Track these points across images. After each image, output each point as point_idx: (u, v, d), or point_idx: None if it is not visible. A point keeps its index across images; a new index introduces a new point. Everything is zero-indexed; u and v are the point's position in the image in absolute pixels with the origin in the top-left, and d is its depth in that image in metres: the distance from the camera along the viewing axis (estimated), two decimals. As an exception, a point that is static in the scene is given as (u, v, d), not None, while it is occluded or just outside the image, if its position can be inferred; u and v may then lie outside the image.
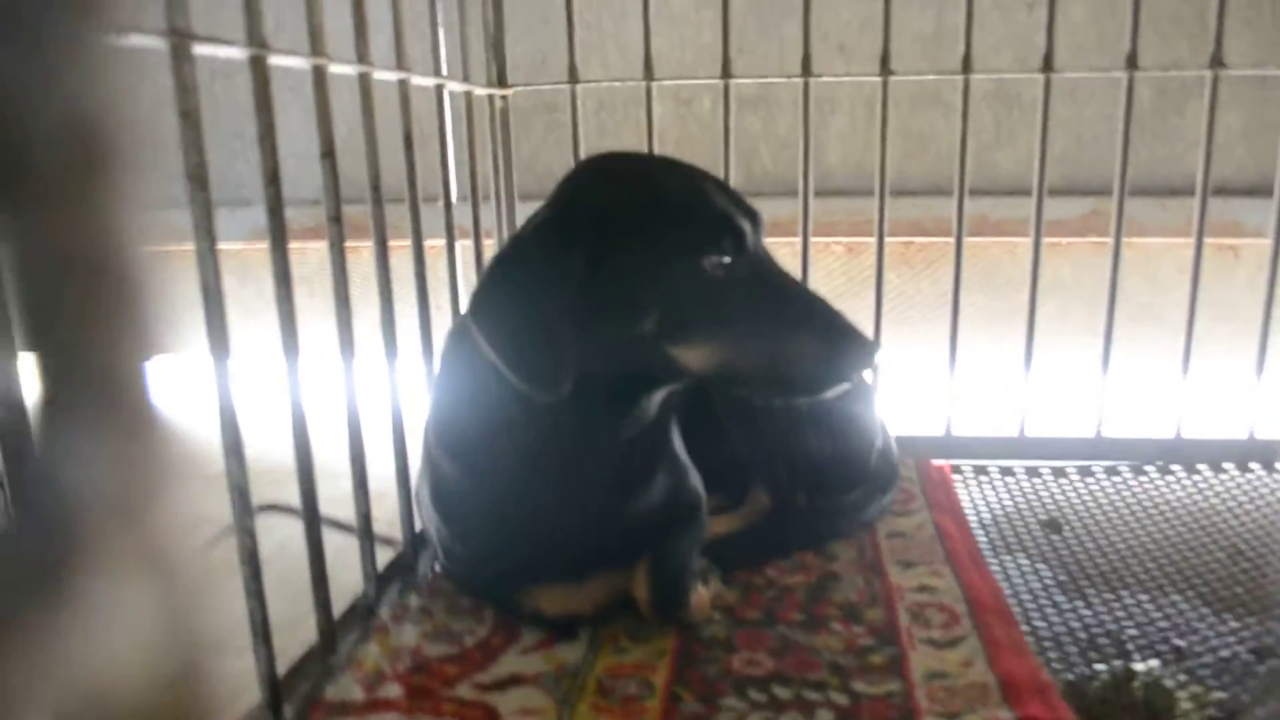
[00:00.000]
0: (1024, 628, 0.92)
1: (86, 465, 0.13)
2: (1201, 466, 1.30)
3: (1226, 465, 1.31)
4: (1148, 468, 1.31)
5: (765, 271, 0.80)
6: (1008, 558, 1.09)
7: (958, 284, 1.32)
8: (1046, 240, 1.32)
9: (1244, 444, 1.32)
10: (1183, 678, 0.86)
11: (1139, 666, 0.88)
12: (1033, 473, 1.31)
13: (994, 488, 1.27)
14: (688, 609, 0.90)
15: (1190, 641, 0.91)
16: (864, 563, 1.05)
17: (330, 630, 0.85)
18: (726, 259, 0.78)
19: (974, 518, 1.18)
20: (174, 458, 0.12)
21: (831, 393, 0.79)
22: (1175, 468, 1.30)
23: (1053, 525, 1.15)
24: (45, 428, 0.13)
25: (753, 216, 0.82)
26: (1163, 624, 0.94)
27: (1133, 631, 0.93)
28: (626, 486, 0.88)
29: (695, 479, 0.97)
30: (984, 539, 1.13)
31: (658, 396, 0.85)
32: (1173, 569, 1.05)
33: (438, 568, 1.01)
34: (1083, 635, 0.93)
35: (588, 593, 0.91)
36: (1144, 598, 0.99)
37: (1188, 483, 1.27)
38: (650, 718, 0.79)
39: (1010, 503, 1.23)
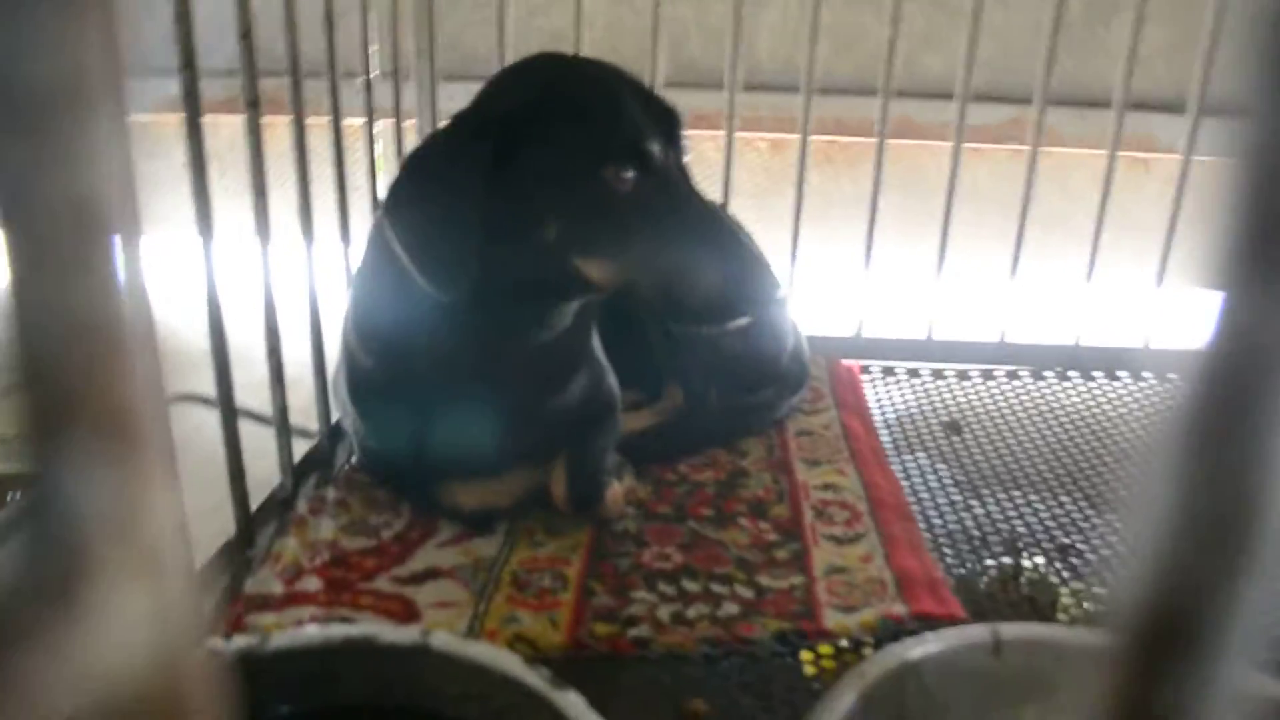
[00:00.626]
0: (921, 525, 0.98)
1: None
2: (1097, 374, 1.37)
3: (1121, 373, 1.37)
4: (1047, 373, 1.36)
5: (676, 191, 0.80)
6: (909, 457, 1.14)
7: (877, 185, 1.34)
8: (967, 146, 1.34)
9: (1139, 353, 1.39)
10: (1066, 574, 0.92)
11: (1026, 563, 0.94)
12: (938, 375, 1.36)
13: (900, 388, 1.32)
14: (602, 504, 0.92)
15: (1075, 540, 0.97)
16: (772, 460, 1.08)
17: (247, 524, 0.86)
18: (629, 173, 0.78)
19: (879, 417, 1.23)
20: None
21: (730, 325, 0.80)
22: (1073, 374, 1.36)
23: (953, 427, 1.20)
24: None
25: (669, 132, 0.81)
26: (1050, 523, 1.00)
27: (1022, 530, 0.99)
28: (543, 386, 0.90)
29: (612, 379, 0.99)
30: (888, 438, 1.18)
31: (572, 305, 0.86)
32: (1064, 471, 1.11)
33: (354, 460, 1.02)
34: (975, 533, 0.98)
35: (505, 487, 0.93)
36: (1034, 498, 1.05)
37: (1084, 389, 1.33)
38: (564, 610, 0.82)
39: (915, 403, 1.27)
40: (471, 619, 0.80)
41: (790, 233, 1.35)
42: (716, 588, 0.86)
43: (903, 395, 1.30)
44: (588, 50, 1.20)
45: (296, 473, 0.96)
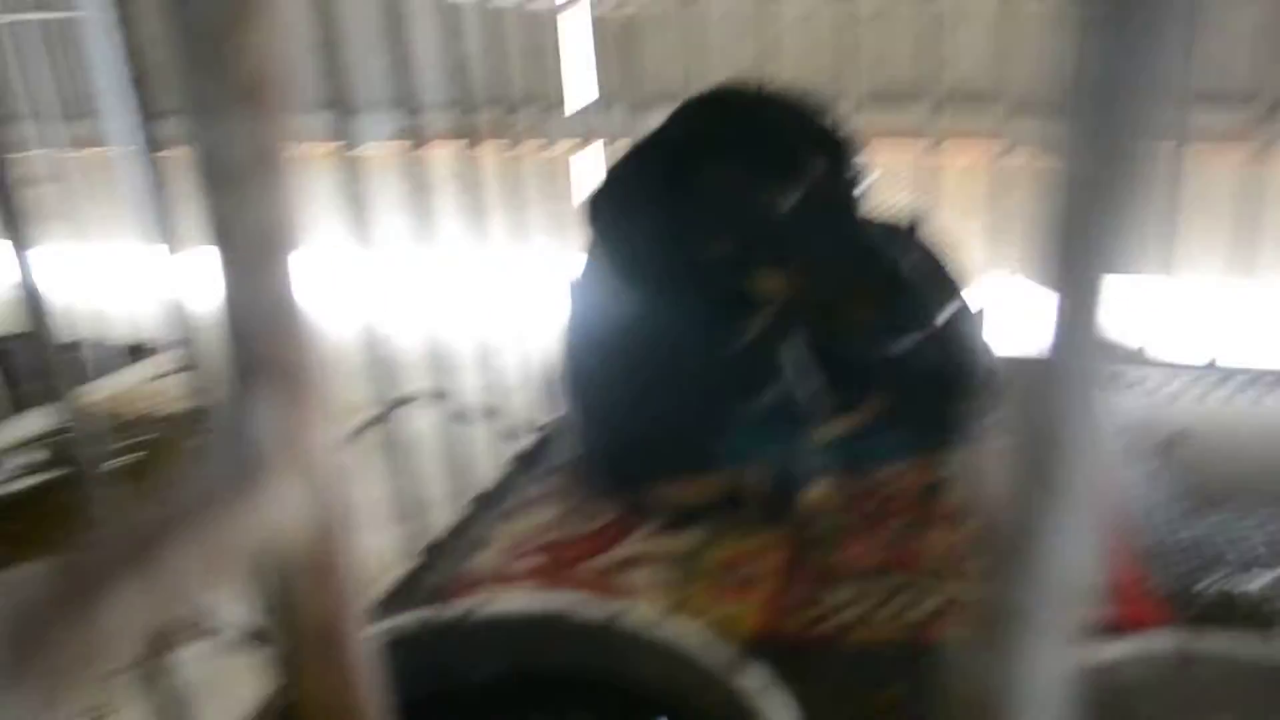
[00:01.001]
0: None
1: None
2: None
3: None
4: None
5: (834, 213, 0.84)
6: (1124, 471, 1.10)
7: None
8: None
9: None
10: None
11: (1248, 584, 0.90)
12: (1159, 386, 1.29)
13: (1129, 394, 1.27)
14: (794, 506, 0.96)
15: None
16: (973, 469, 1.08)
17: (471, 512, 0.96)
18: (787, 196, 0.82)
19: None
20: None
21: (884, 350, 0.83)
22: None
23: (1171, 443, 1.15)
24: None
25: (833, 151, 0.85)
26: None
27: (1243, 548, 0.94)
28: (735, 393, 0.94)
29: (815, 389, 1.02)
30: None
31: (756, 318, 0.90)
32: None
33: (572, 455, 1.10)
34: (1194, 550, 0.94)
35: (707, 485, 0.98)
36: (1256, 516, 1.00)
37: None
38: (758, 600, 0.86)
39: (1132, 414, 1.22)
40: (676, 604, 0.86)
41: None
42: (910, 591, 0.87)
43: (1120, 406, 1.25)
44: (789, 70, 1.24)
45: (518, 467, 1.06)
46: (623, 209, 0.86)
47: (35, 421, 1.12)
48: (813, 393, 1.02)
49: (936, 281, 1.14)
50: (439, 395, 1.06)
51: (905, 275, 0.84)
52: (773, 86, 0.92)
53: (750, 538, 0.96)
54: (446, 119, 0.95)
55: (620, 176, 0.89)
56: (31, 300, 0.53)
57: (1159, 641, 0.64)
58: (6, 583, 0.91)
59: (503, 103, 0.98)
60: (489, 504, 1.01)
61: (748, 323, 0.91)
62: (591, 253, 0.93)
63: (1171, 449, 1.14)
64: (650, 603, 0.85)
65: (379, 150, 1.01)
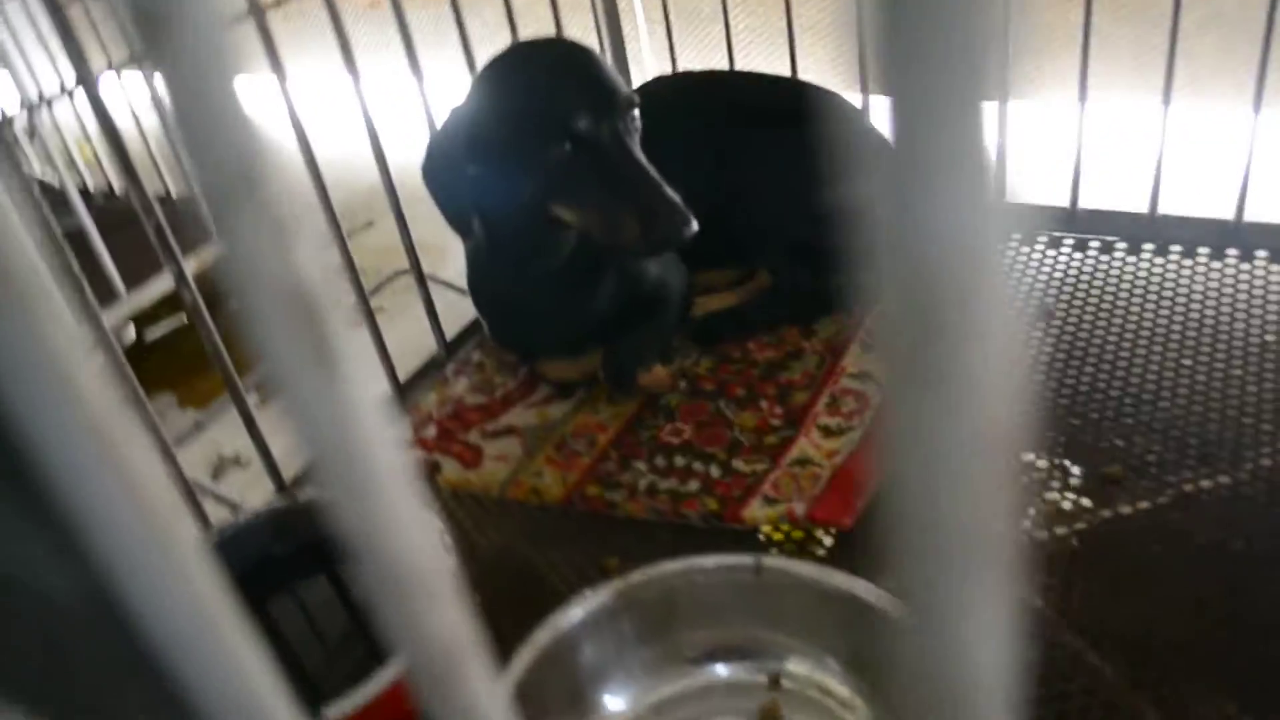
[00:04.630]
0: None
1: None
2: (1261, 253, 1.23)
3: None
4: (1201, 250, 1.26)
5: (608, 151, 1.01)
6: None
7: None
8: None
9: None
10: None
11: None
12: (1080, 247, 1.32)
13: (1066, 263, 1.30)
14: (635, 384, 1.18)
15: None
16: (834, 342, 1.23)
17: (400, 386, 1.26)
18: (566, 146, 1.01)
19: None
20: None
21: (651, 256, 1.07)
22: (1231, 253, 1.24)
23: (1045, 313, 1.21)
24: None
25: (607, 105, 1.01)
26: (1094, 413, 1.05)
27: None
28: (570, 292, 1.16)
29: (672, 276, 1.20)
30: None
31: (570, 235, 1.10)
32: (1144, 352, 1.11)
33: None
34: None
35: (576, 364, 1.22)
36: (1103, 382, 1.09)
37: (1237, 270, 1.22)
38: (576, 471, 1.11)
39: (1046, 279, 1.28)
40: (513, 471, 1.14)
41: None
42: (698, 465, 1.09)
43: (1038, 269, 1.30)
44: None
45: (460, 338, 1.34)
46: (443, 171, 1.07)
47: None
48: (666, 283, 1.20)
49: (822, 159, 1.24)
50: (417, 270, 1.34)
51: (666, 200, 1.01)
52: (560, 44, 1.07)
53: (603, 412, 1.20)
54: None
55: (437, 141, 1.09)
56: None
57: (738, 560, 0.85)
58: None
59: None
60: (428, 372, 1.31)
61: (561, 242, 1.12)
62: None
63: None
64: (499, 469, 1.14)
65: None
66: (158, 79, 0.16)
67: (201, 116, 0.16)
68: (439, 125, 1.12)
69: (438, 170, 1.09)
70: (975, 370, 0.17)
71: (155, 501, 0.20)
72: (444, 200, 1.09)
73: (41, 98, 1.98)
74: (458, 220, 1.09)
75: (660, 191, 1.00)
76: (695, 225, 1.00)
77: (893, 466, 0.18)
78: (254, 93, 0.17)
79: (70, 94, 1.97)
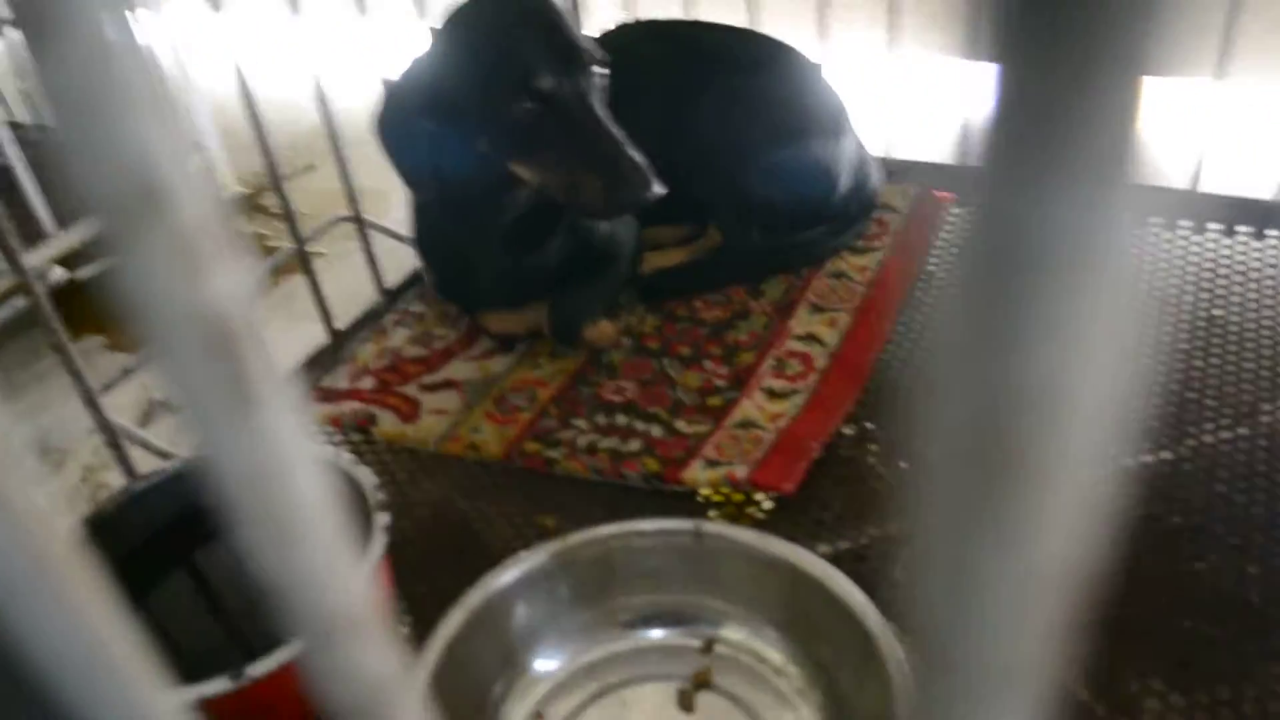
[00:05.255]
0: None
1: None
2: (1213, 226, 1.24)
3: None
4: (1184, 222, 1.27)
5: (572, 109, 0.99)
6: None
7: None
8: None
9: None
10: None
11: None
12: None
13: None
14: (579, 338, 1.16)
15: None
16: (782, 303, 1.22)
17: (338, 334, 1.23)
18: (528, 104, 0.97)
19: (950, 259, 1.26)
20: None
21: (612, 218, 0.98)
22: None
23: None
24: None
25: (570, 62, 0.99)
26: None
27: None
28: (520, 246, 1.14)
29: (621, 231, 1.18)
30: (941, 283, 1.23)
31: (523, 192, 1.07)
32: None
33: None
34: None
35: (520, 318, 1.20)
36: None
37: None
38: (515, 427, 1.10)
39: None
40: (451, 425, 1.11)
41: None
42: (639, 425, 1.08)
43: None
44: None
45: (402, 287, 1.31)
46: (397, 128, 1.04)
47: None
48: (615, 238, 1.18)
49: (778, 116, 1.22)
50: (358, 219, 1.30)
51: (629, 173, 0.98)
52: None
53: (544, 367, 1.18)
54: None
55: (393, 97, 1.05)
56: None
57: (678, 524, 0.84)
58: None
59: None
60: (366, 323, 1.28)
61: (512, 198, 1.09)
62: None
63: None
64: (437, 423, 1.12)
65: None
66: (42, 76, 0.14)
67: (94, 122, 0.15)
68: (390, 73, 1.08)
69: (394, 124, 1.05)
70: (1044, 511, 0.15)
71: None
72: (399, 155, 1.06)
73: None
74: (413, 176, 1.06)
75: (624, 152, 0.98)
76: (660, 188, 0.99)
77: (929, 599, 0.16)
78: (186, 29, 0.14)
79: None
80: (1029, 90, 0.13)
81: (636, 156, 0.98)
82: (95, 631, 0.19)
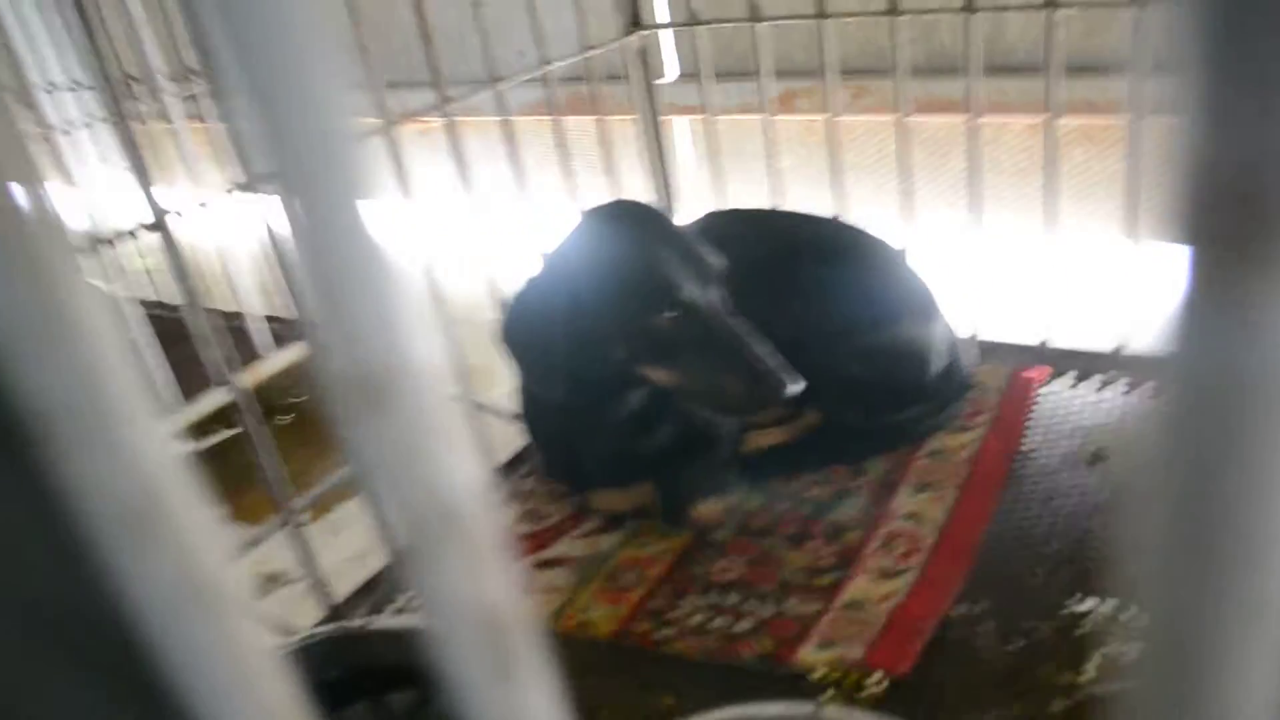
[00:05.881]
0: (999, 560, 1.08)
1: None
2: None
3: None
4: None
5: (710, 319, 1.08)
6: (1049, 481, 1.20)
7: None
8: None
9: None
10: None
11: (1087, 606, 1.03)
12: (1134, 386, 1.33)
13: (1084, 401, 1.33)
14: (687, 517, 1.19)
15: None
16: (884, 482, 1.24)
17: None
18: (671, 314, 1.06)
19: (1041, 436, 1.28)
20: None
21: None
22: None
23: (1097, 456, 1.22)
24: None
25: (704, 275, 1.08)
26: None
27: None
28: (632, 433, 1.19)
29: (724, 420, 1.23)
30: (1039, 460, 1.24)
31: (639, 393, 1.15)
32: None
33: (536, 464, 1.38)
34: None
35: (628, 496, 1.23)
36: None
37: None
38: (626, 605, 1.12)
39: (1089, 419, 1.29)
40: (563, 603, 1.14)
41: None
42: (750, 605, 1.09)
43: (1082, 409, 1.32)
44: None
45: (506, 467, 1.36)
46: (534, 333, 1.12)
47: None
48: (717, 424, 1.22)
49: (872, 301, 1.27)
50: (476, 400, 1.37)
51: (768, 364, 1.06)
52: (653, 215, 1.14)
53: (652, 546, 1.20)
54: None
55: (529, 304, 1.13)
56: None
57: (796, 709, 0.85)
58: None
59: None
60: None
61: (634, 394, 1.16)
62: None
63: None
64: (547, 601, 1.14)
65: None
66: (370, 438, 0.18)
67: (414, 464, 0.18)
68: (516, 284, 1.16)
69: (526, 329, 1.13)
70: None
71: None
72: (530, 361, 1.14)
73: (114, 236, 2.04)
74: (544, 381, 1.13)
75: (762, 356, 1.06)
76: (797, 386, 1.06)
77: (1150, 638, 0.17)
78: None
79: (134, 233, 2.03)
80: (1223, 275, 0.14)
81: (773, 358, 1.06)
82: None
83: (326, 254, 0.17)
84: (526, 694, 0.20)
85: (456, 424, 0.19)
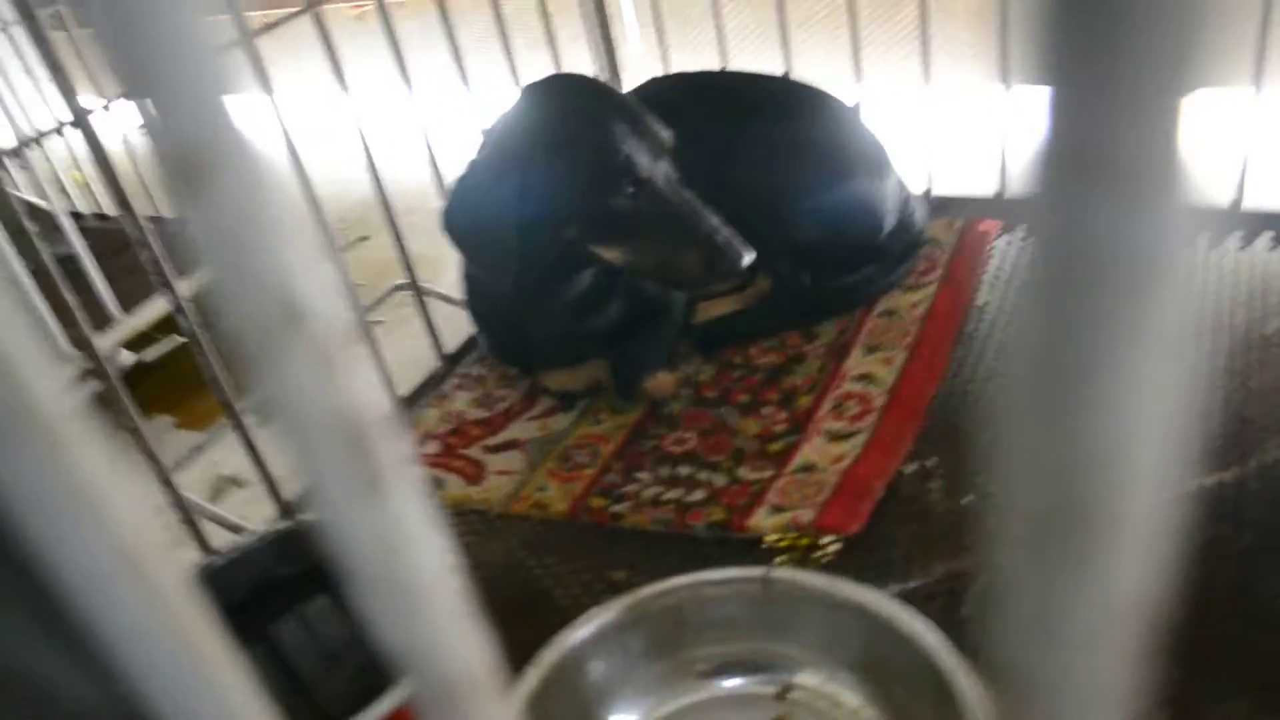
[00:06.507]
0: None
1: None
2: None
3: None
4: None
5: (664, 193, 1.05)
6: (1002, 334, 1.19)
7: None
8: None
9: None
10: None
11: None
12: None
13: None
14: (641, 390, 1.18)
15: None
16: (836, 344, 1.23)
17: (401, 401, 1.27)
18: (629, 189, 1.03)
19: (995, 290, 1.27)
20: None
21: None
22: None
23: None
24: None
25: (656, 148, 1.05)
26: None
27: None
28: (581, 312, 1.17)
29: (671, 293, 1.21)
30: (992, 314, 1.23)
31: (588, 272, 1.13)
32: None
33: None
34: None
35: (580, 375, 1.22)
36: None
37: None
38: (581, 482, 1.12)
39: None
40: (518, 484, 1.14)
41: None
42: (702, 475, 1.09)
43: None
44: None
45: (460, 351, 1.34)
46: (481, 217, 1.07)
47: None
48: (667, 295, 1.21)
49: (822, 159, 1.24)
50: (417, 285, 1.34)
51: (725, 235, 1.05)
52: (601, 88, 1.11)
53: (605, 422, 1.20)
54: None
55: (474, 188, 1.09)
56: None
57: (747, 572, 0.85)
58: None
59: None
60: (428, 387, 1.32)
61: (581, 276, 1.14)
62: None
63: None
64: (502, 484, 1.14)
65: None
66: (192, 225, 0.16)
67: (240, 258, 0.16)
68: (456, 167, 1.12)
69: (472, 216, 1.08)
70: (1118, 551, 0.16)
71: (136, 538, 0.20)
72: (477, 248, 1.10)
73: (38, 135, 1.98)
74: (495, 267, 1.09)
75: (718, 228, 1.04)
76: (750, 255, 1.04)
77: (1009, 635, 0.17)
78: (243, 111, 0.16)
79: (60, 130, 1.97)
80: (1080, 111, 0.13)
81: (728, 230, 1.04)
82: (218, 682, 0.21)
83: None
84: (395, 508, 0.18)
85: (296, 213, 0.17)
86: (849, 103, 1.35)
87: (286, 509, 1.14)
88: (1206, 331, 1.12)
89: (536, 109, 1.09)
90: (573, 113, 1.07)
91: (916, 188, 1.37)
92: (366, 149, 1.20)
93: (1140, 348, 0.15)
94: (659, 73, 1.52)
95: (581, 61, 1.54)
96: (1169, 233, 0.14)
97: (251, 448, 1.09)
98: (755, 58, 1.57)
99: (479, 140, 1.12)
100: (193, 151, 0.16)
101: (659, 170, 1.06)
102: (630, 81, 1.55)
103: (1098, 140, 0.13)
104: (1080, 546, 0.16)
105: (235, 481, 1.24)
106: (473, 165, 1.11)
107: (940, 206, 1.41)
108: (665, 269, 1.07)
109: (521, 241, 1.06)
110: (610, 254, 1.08)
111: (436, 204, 1.29)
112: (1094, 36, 0.13)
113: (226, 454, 1.21)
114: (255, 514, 1.14)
